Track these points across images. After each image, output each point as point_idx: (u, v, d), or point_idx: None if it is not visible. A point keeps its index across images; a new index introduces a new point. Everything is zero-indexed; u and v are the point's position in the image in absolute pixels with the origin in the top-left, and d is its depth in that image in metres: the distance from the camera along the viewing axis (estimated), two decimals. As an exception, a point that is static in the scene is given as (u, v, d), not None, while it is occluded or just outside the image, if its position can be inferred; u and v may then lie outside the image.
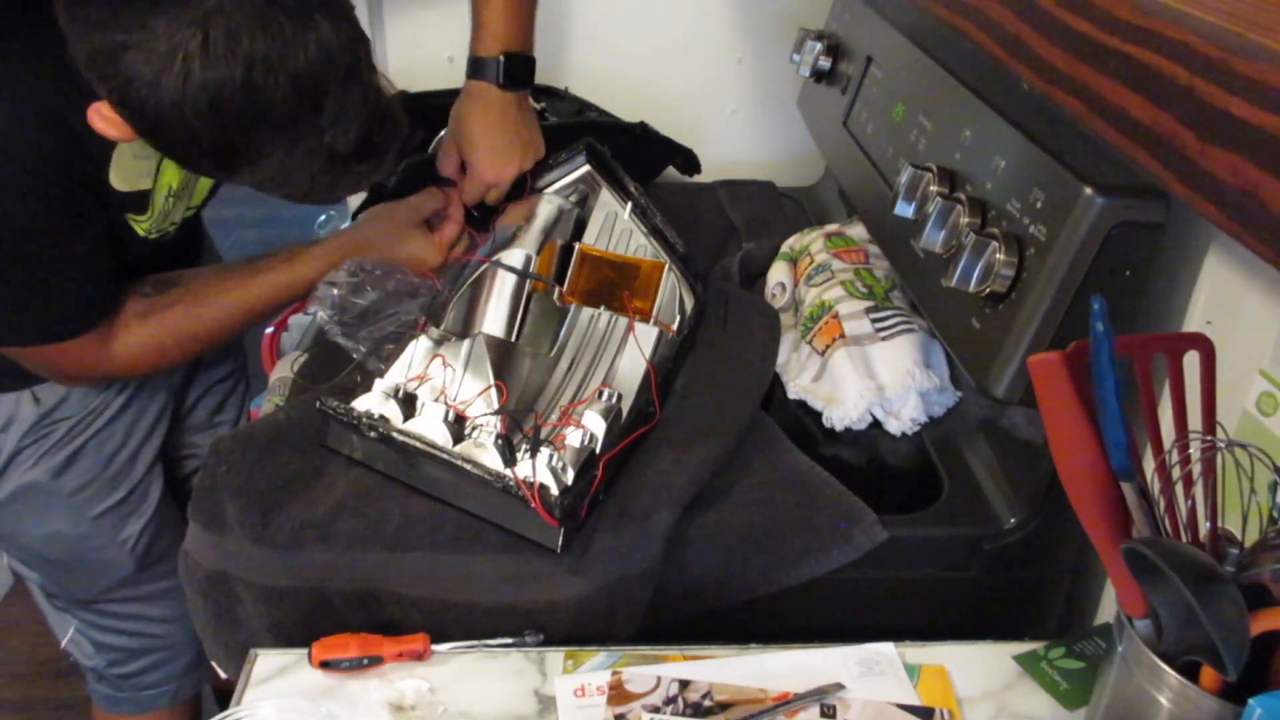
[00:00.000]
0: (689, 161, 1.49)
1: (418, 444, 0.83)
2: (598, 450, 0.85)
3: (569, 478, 0.81)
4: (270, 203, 1.06)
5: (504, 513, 0.83)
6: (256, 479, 0.86)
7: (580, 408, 0.88)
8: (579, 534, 0.82)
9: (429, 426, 0.85)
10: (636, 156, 1.21)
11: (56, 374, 1.04)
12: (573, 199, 1.15)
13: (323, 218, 1.18)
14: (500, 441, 0.81)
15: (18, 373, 1.03)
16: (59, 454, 1.10)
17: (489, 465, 0.81)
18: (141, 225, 1.00)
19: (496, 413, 0.87)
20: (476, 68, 1.12)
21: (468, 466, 0.81)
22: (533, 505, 0.78)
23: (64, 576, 1.19)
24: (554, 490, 0.79)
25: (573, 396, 0.92)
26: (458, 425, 0.85)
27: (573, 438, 0.84)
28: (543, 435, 0.86)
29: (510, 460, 0.80)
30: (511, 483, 0.79)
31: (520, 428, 0.86)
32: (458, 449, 0.83)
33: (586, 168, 1.18)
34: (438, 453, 0.83)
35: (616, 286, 1.06)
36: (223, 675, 0.89)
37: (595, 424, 0.86)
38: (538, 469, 0.79)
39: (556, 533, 0.80)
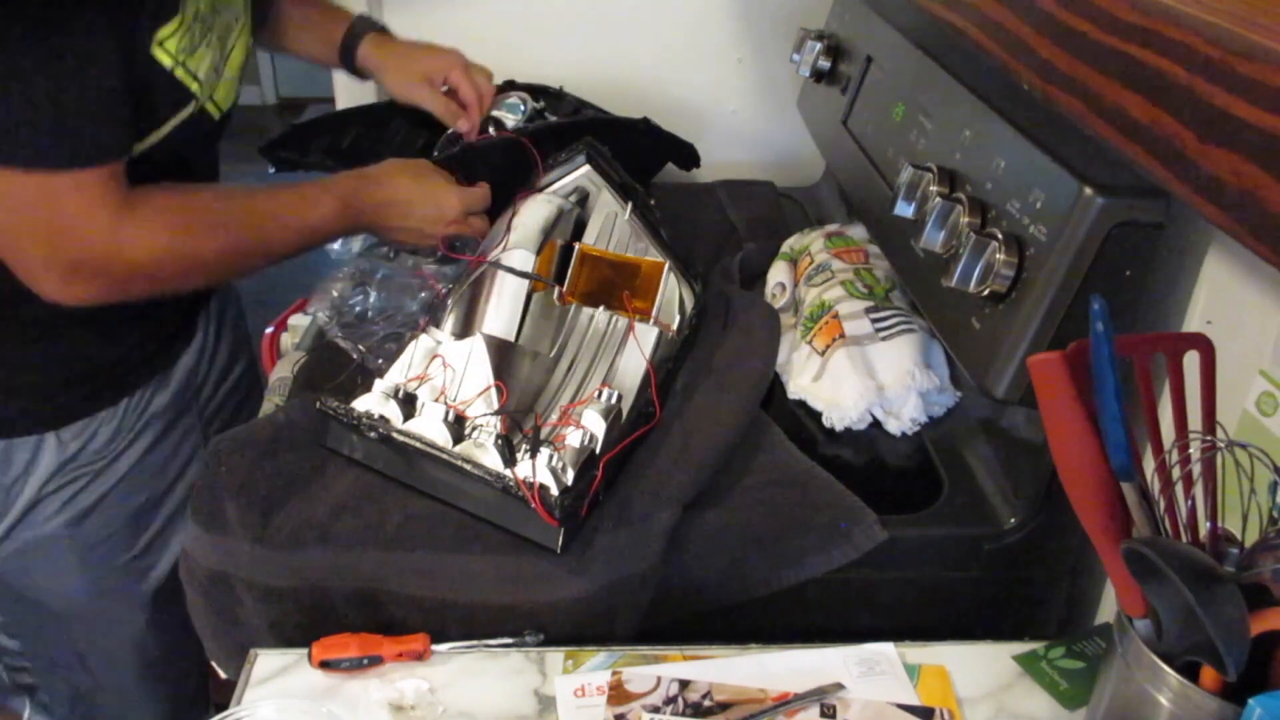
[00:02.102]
0: (689, 157, 1.48)
1: (418, 444, 0.83)
2: (598, 450, 0.85)
3: (569, 478, 0.81)
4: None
5: (504, 513, 0.83)
6: (256, 479, 0.86)
7: (580, 408, 0.88)
8: (579, 534, 0.82)
9: (429, 427, 0.84)
10: (637, 153, 1.21)
11: (60, 245, 0.89)
12: (572, 199, 1.15)
13: None
14: (500, 442, 0.81)
15: (41, 416, 1.00)
16: (81, 502, 1.07)
17: (489, 465, 0.81)
18: (168, 42, 0.91)
19: (496, 413, 0.87)
20: (363, 27, 1.23)
21: (468, 467, 0.81)
22: (533, 506, 0.78)
23: (63, 632, 1.15)
24: (554, 490, 0.79)
25: (572, 397, 0.92)
26: (458, 425, 0.85)
27: (573, 438, 0.84)
28: (543, 435, 0.86)
29: (510, 460, 0.80)
30: (511, 483, 0.79)
31: (520, 428, 0.86)
32: (457, 449, 0.83)
33: (586, 168, 1.18)
34: (438, 453, 0.83)
35: (616, 286, 1.06)
36: (223, 675, 0.89)
37: (595, 424, 0.85)
38: (538, 469, 0.79)
39: (557, 533, 0.80)
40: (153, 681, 1.22)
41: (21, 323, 0.99)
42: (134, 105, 0.90)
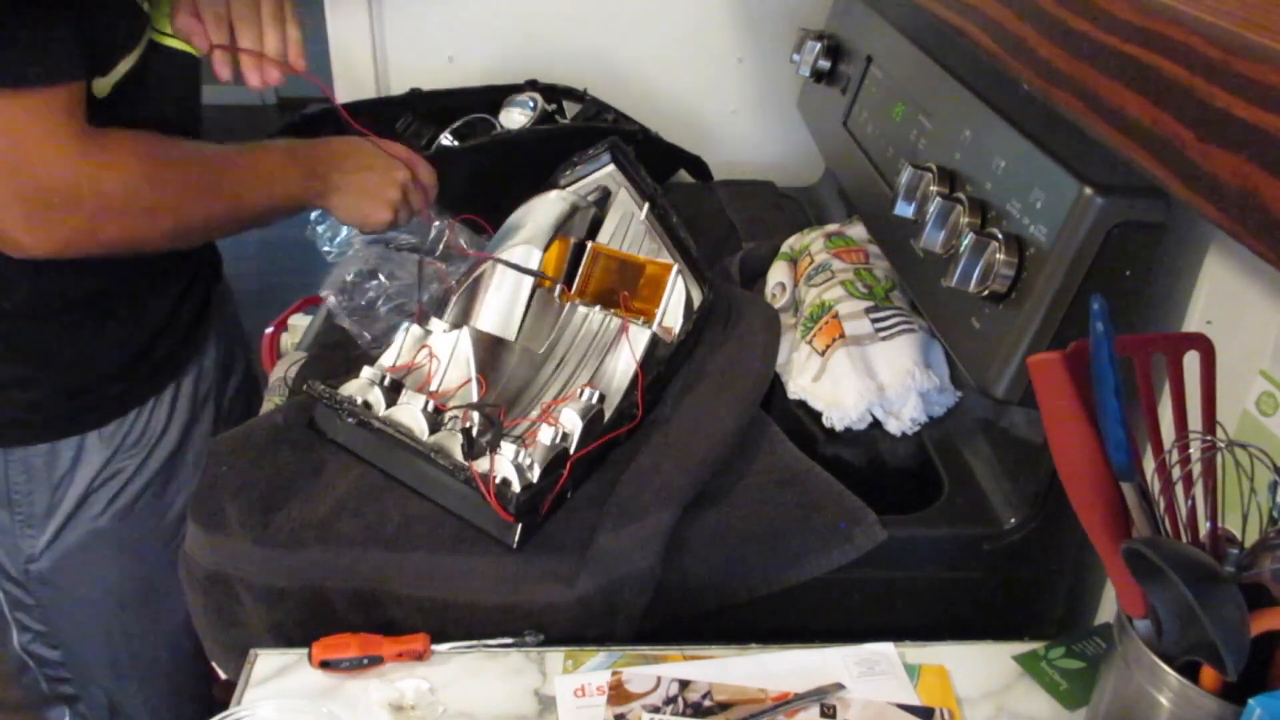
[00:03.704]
0: (700, 169, 1.50)
1: (392, 431, 0.84)
2: (571, 449, 0.85)
3: (534, 474, 0.81)
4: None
5: (467, 506, 0.83)
6: (256, 479, 0.86)
7: (560, 406, 0.88)
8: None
9: (407, 415, 0.85)
10: (644, 161, 1.22)
11: (24, 175, 0.84)
12: (590, 198, 1.15)
13: (317, 212, 1.18)
14: (463, 433, 0.82)
15: (79, 410, 1.02)
16: (125, 496, 1.08)
17: (457, 457, 0.82)
18: None
19: (464, 406, 0.87)
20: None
21: (435, 457, 0.81)
22: (488, 499, 0.78)
23: (103, 637, 1.16)
24: (515, 486, 0.79)
25: (557, 394, 0.93)
26: (436, 416, 0.86)
27: (544, 435, 0.84)
28: (517, 431, 0.87)
29: (470, 453, 0.81)
30: (470, 475, 0.79)
31: (490, 422, 0.87)
32: (431, 440, 0.84)
33: (611, 167, 1.18)
34: (410, 442, 0.83)
35: (625, 286, 1.06)
36: (223, 675, 0.89)
37: (571, 422, 0.86)
38: (498, 464, 0.80)
39: (513, 528, 0.80)
40: (182, 687, 1.23)
41: (56, 322, 1.00)
42: (89, 27, 0.86)
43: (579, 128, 1.38)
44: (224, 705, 0.74)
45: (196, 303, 1.14)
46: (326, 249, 1.20)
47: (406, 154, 1.08)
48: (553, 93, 1.43)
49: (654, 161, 1.39)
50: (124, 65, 0.92)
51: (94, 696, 1.20)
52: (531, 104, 1.35)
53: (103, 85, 0.91)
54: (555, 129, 1.35)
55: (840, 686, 0.76)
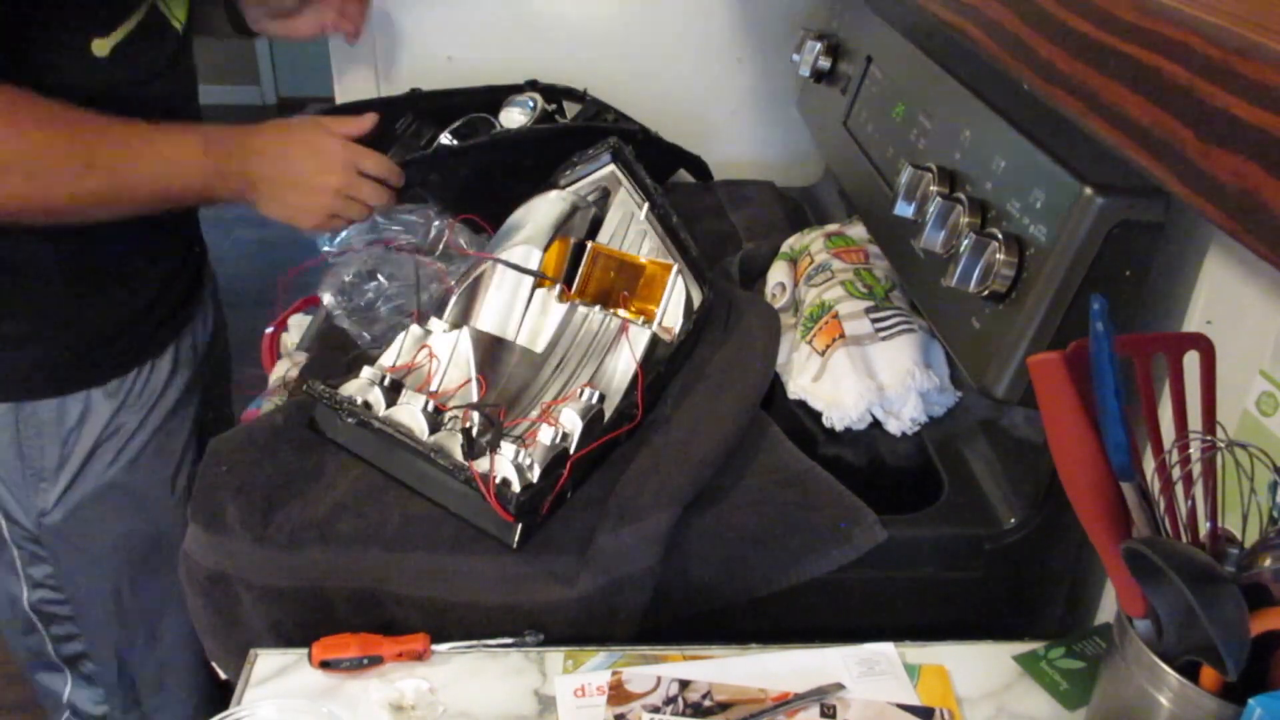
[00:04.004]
0: (700, 169, 1.50)
1: (392, 431, 0.84)
2: (571, 449, 0.85)
3: (534, 474, 0.81)
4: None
5: (467, 506, 0.83)
6: (256, 479, 0.86)
7: (559, 406, 0.88)
8: (580, 533, 0.83)
9: (407, 415, 0.85)
10: (644, 161, 1.22)
11: None
12: (591, 198, 1.15)
13: None
14: (463, 434, 0.82)
15: (85, 367, 1.05)
16: (130, 449, 1.12)
17: (457, 457, 0.82)
18: None
19: (464, 406, 0.87)
20: None
21: (436, 457, 0.81)
22: (488, 499, 0.78)
23: (114, 590, 1.18)
24: (515, 486, 0.80)
25: (557, 394, 0.93)
26: (436, 416, 0.86)
27: (544, 435, 0.84)
28: (517, 432, 0.87)
29: (470, 453, 0.81)
30: (470, 475, 0.79)
31: (491, 422, 0.87)
32: (431, 440, 0.84)
33: (611, 167, 1.18)
34: (410, 442, 0.83)
35: (625, 286, 1.06)
36: (223, 675, 0.89)
37: (571, 422, 0.86)
38: (499, 464, 0.80)
39: (513, 528, 0.81)
40: (189, 644, 1.23)
41: (57, 286, 1.03)
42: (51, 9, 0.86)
43: (579, 128, 1.38)
44: (224, 705, 0.74)
45: (189, 277, 1.19)
46: (326, 249, 1.20)
47: (344, 153, 1.03)
48: (553, 93, 1.43)
49: (654, 161, 1.39)
50: (125, 27, 0.94)
51: (102, 653, 1.22)
52: (531, 104, 1.35)
53: (102, 45, 0.93)
54: (555, 129, 1.34)
55: (840, 686, 0.76)
